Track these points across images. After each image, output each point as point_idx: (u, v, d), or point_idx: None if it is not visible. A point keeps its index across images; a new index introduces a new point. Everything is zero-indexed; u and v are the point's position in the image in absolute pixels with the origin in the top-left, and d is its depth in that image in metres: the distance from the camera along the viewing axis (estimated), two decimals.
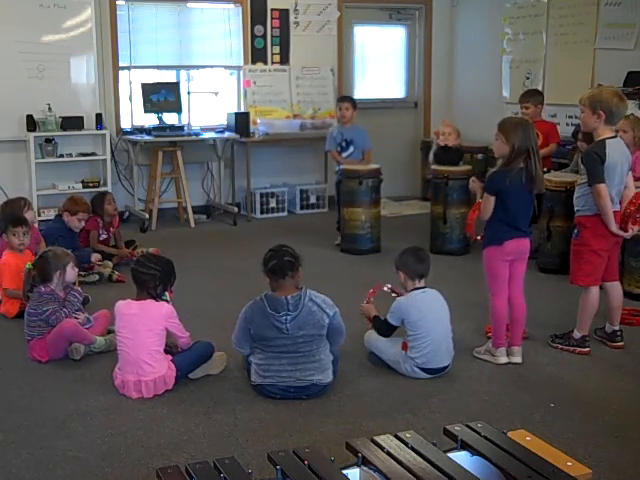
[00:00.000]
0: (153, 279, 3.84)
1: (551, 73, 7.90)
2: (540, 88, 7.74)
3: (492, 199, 3.95)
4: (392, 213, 8.28)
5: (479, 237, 4.26)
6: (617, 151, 4.03)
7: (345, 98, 7.05)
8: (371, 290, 4.28)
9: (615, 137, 4.07)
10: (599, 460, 3.05)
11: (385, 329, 4.05)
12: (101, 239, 6.11)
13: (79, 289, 4.49)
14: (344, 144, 6.85)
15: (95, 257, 5.75)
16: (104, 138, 7.57)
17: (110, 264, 5.86)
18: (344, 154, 6.87)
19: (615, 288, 4.33)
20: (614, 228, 4.06)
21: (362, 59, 9.24)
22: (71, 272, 4.34)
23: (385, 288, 4.29)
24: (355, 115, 6.88)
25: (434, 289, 4.04)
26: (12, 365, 4.14)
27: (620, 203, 4.12)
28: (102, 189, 7.55)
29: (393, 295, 4.21)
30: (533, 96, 6.43)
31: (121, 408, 3.59)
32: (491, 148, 4.61)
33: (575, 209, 4.23)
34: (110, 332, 4.28)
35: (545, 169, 4.84)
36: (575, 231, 4.23)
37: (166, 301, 3.93)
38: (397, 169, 8.77)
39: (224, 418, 3.47)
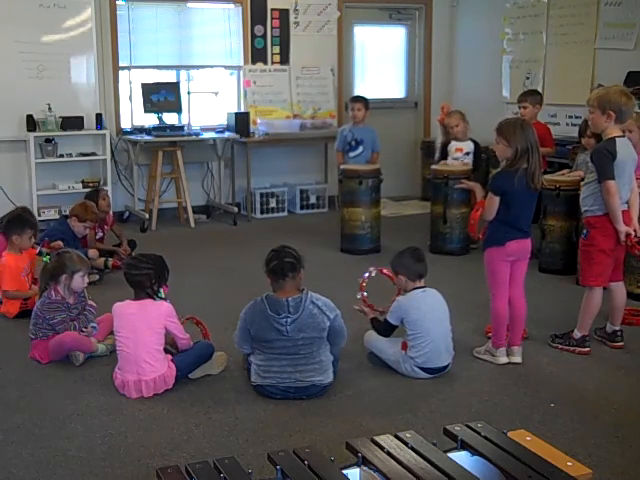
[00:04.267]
0: (148, 278, 3.84)
1: (551, 73, 7.90)
2: (540, 88, 7.75)
3: (497, 199, 3.94)
4: (392, 213, 8.29)
5: (481, 235, 4.27)
6: (626, 150, 4.04)
7: (358, 98, 7.03)
8: (362, 283, 4.34)
9: (623, 136, 4.08)
10: (599, 460, 3.05)
11: (384, 329, 4.05)
12: (97, 237, 6.10)
13: (94, 304, 4.44)
14: (354, 143, 6.87)
15: (92, 252, 5.74)
16: (104, 138, 7.57)
17: (101, 259, 5.80)
18: (352, 153, 6.89)
19: (619, 288, 4.33)
20: (621, 227, 4.05)
21: (362, 59, 9.25)
22: (79, 280, 4.30)
23: (373, 273, 4.33)
24: (368, 115, 6.90)
25: (433, 289, 4.05)
26: (12, 365, 4.14)
27: (628, 206, 4.12)
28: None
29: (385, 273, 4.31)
30: (532, 96, 6.43)
31: (121, 408, 3.59)
32: (491, 148, 4.60)
33: (583, 209, 4.22)
34: (111, 333, 4.28)
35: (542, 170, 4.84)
36: (584, 232, 4.22)
37: (163, 299, 3.94)
38: (397, 169, 8.77)
39: (224, 418, 3.47)
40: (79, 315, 4.30)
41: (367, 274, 4.33)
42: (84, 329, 4.25)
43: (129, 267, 3.93)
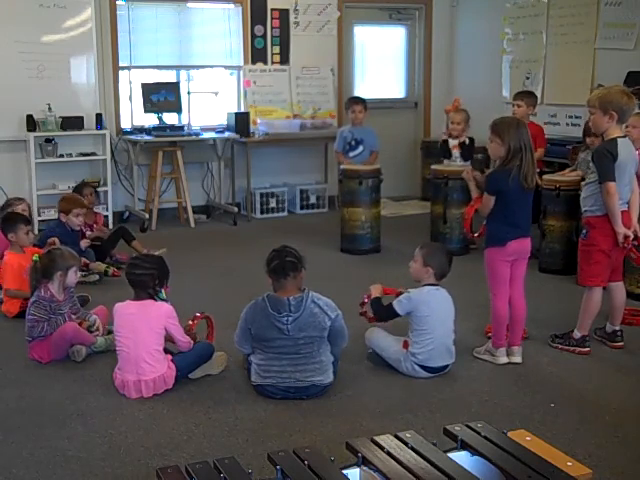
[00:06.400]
0: (151, 278, 3.84)
1: (551, 73, 7.90)
2: (540, 88, 7.77)
3: (492, 199, 3.96)
4: (392, 213, 8.28)
5: (477, 235, 4.26)
6: (627, 151, 4.04)
7: (357, 100, 7.04)
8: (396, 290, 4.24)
9: (625, 137, 4.08)
10: (599, 460, 3.05)
11: (386, 313, 4.03)
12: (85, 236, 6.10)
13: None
14: (354, 143, 6.90)
15: (84, 242, 5.75)
16: (104, 138, 7.57)
17: (102, 265, 5.78)
18: (352, 153, 6.93)
19: (619, 288, 4.33)
20: (620, 229, 4.04)
21: (362, 59, 9.25)
22: (72, 276, 4.31)
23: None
24: (366, 115, 6.93)
25: (444, 289, 4.04)
26: (12, 365, 4.14)
27: (628, 206, 4.12)
28: (102, 189, 7.57)
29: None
30: (528, 96, 6.42)
31: (121, 408, 3.59)
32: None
33: (583, 209, 4.22)
34: (110, 332, 4.28)
35: (538, 170, 4.84)
36: (583, 231, 4.22)
37: (164, 300, 3.94)
38: (397, 169, 8.77)
39: (224, 418, 3.47)
40: (73, 309, 4.32)
41: (366, 298, 4.26)
42: (73, 316, 4.26)
43: (132, 267, 3.92)
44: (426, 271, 4.00)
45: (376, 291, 4.19)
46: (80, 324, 4.28)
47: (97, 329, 4.27)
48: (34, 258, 4.36)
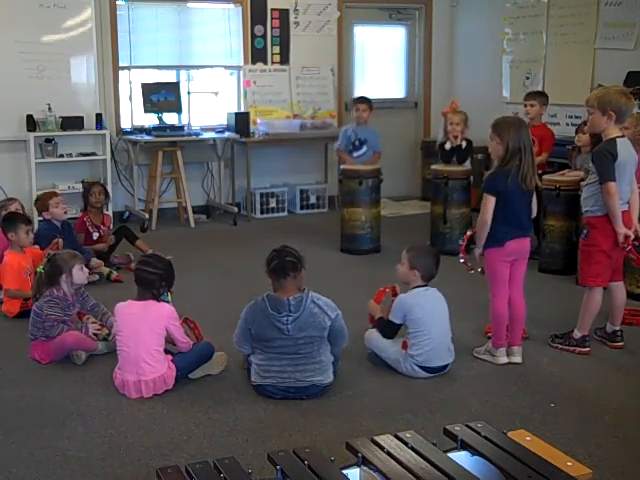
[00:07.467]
0: (159, 279, 3.85)
1: (551, 73, 7.90)
2: (540, 88, 7.75)
3: (493, 200, 3.95)
4: (392, 213, 8.29)
5: (477, 269, 4.23)
6: (626, 150, 4.04)
7: (363, 100, 7.02)
8: (381, 289, 4.25)
9: (623, 137, 4.08)
10: (599, 460, 3.05)
11: (389, 329, 4.04)
12: (94, 238, 6.08)
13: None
14: (357, 143, 6.89)
15: (96, 262, 5.73)
16: (104, 138, 7.57)
17: (105, 269, 5.78)
18: (356, 153, 6.91)
19: (619, 288, 4.33)
20: (621, 229, 4.04)
21: (362, 59, 9.25)
22: (79, 274, 4.31)
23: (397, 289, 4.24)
24: (371, 115, 6.93)
25: (434, 288, 4.04)
26: (12, 365, 4.14)
27: (629, 206, 4.12)
28: None
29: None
30: (540, 96, 6.40)
31: (121, 408, 3.59)
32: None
33: (583, 210, 4.22)
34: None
35: (539, 171, 4.84)
36: (584, 232, 4.22)
37: (167, 301, 3.94)
38: (397, 169, 8.77)
39: (224, 418, 3.47)
40: (86, 308, 4.35)
41: (373, 321, 4.25)
42: (100, 328, 4.27)
43: (144, 264, 3.91)
44: (413, 274, 4.01)
45: (375, 311, 4.19)
46: (92, 329, 4.27)
47: (112, 338, 4.22)
48: (39, 269, 4.36)
